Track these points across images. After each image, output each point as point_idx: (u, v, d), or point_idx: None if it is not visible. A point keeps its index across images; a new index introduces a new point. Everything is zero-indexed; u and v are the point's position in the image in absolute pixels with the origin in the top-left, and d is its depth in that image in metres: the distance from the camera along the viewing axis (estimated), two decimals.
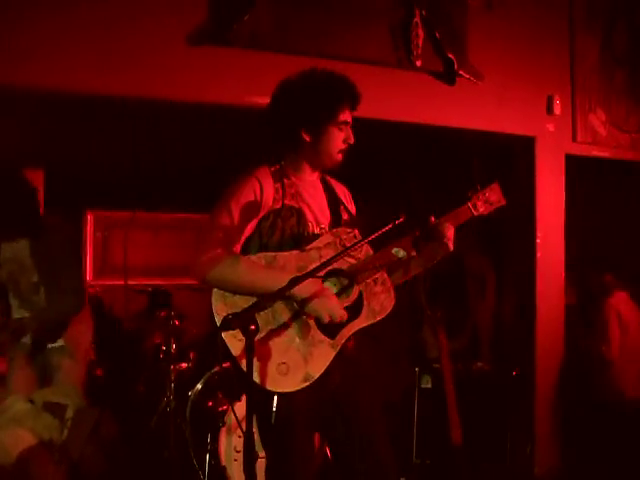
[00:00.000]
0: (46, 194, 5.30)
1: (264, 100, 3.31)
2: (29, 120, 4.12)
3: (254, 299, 2.22)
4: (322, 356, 2.31)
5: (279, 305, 2.31)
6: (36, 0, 3.08)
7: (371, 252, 2.44)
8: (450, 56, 3.80)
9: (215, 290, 2.30)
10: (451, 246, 2.45)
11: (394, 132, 3.82)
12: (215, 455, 3.87)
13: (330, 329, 2.34)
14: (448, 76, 3.87)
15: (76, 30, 3.12)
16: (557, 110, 4.19)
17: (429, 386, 4.22)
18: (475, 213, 2.52)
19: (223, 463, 3.85)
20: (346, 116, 2.45)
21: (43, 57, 3.07)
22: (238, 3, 3.31)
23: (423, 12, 3.71)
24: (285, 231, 2.40)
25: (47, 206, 5.29)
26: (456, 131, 3.99)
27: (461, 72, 3.86)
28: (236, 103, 3.45)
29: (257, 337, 2.10)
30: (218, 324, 2.22)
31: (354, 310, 2.39)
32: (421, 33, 3.72)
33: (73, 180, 5.37)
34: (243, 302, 2.23)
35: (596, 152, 4.33)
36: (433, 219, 2.44)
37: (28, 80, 3.11)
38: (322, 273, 2.29)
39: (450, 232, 2.44)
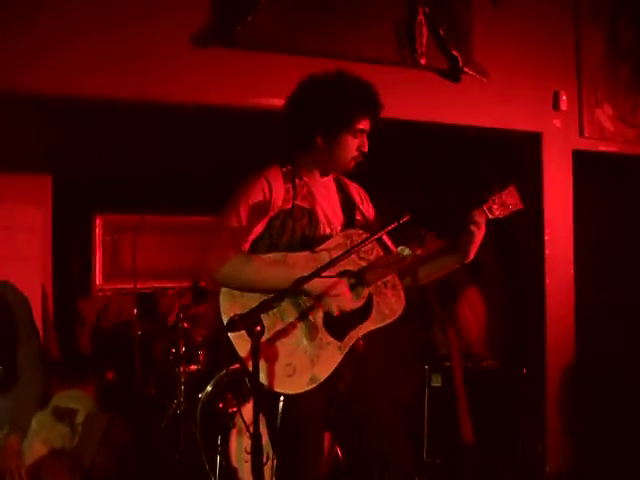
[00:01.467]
0: (55, 199, 5.33)
1: (268, 101, 3.33)
2: (36, 125, 4.13)
3: (263, 299, 2.22)
4: (329, 358, 2.30)
5: (287, 306, 2.30)
6: (38, 4, 3.09)
7: (382, 254, 2.44)
8: (455, 53, 3.79)
9: (223, 290, 2.30)
10: (478, 234, 2.44)
11: (399, 130, 3.80)
12: (226, 456, 3.87)
13: (338, 331, 2.33)
14: (453, 73, 3.85)
15: (79, 33, 3.13)
16: (563, 106, 4.16)
17: (439, 385, 4.20)
18: (490, 216, 2.48)
19: (234, 464, 3.84)
20: (363, 125, 2.43)
21: (47, 61, 3.08)
22: (241, 4, 3.31)
23: (427, 10, 3.70)
24: (296, 232, 2.40)
25: (56, 211, 5.33)
26: (462, 128, 3.98)
27: (466, 69, 3.84)
28: (240, 104, 3.45)
29: (264, 338, 2.10)
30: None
31: (363, 312, 2.38)
32: (425, 31, 3.70)
33: (81, 184, 5.38)
34: (252, 302, 2.21)
35: (603, 147, 4.31)
36: (469, 213, 2.44)
37: (33, 85, 3.12)
38: (332, 274, 2.29)
39: (480, 218, 2.44)
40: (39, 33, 3.08)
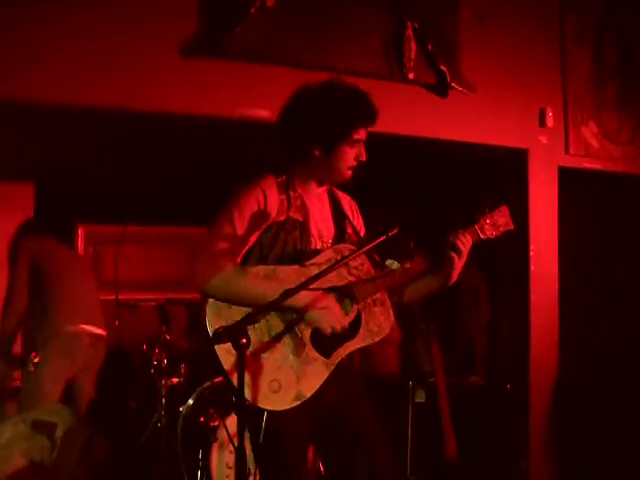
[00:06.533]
0: (37, 208, 5.26)
1: (255, 112, 3.31)
2: (18, 133, 4.08)
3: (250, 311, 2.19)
4: (315, 375, 2.27)
5: (274, 320, 2.27)
6: (24, 13, 3.05)
7: (372, 270, 2.42)
8: (443, 68, 3.79)
9: (210, 302, 2.25)
10: (458, 260, 2.41)
11: (385, 144, 3.79)
12: (207, 471, 3.82)
13: (325, 347, 2.30)
14: (441, 88, 3.86)
15: (65, 43, 3.09)
16: (550, 122, 4.18)
17: (423, 401, 4.18)
18: (482, 236, 2.47)
19: (215, 479, 3.80)
20: (360, 135, 2.41)
21: (30, 70, 3.04)
22: (230, 15, 3.30)
23: (415, 25, 3.71)
24: (287, 244, 2.35)
25: (38, 220, 5.27)
26: (449, 143, 3.98)
27: (453, 84, 3.85)
28: (228, 115, 3.42)
29: (250, 352, 2.07)
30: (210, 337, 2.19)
31: (351, 330, 2.35)
32: (413, 46, 3.71)
33: (64, 194, 5.32)
34: (238, 315, 2.18)
35: (588, 164, 4.33)
36: (451, 237, 2.41)
37: (16, 93, 3.07)
38: (318, 288, 2.26)
39: (462, 243, 2.41)
40: (23, 42, 3.04)
